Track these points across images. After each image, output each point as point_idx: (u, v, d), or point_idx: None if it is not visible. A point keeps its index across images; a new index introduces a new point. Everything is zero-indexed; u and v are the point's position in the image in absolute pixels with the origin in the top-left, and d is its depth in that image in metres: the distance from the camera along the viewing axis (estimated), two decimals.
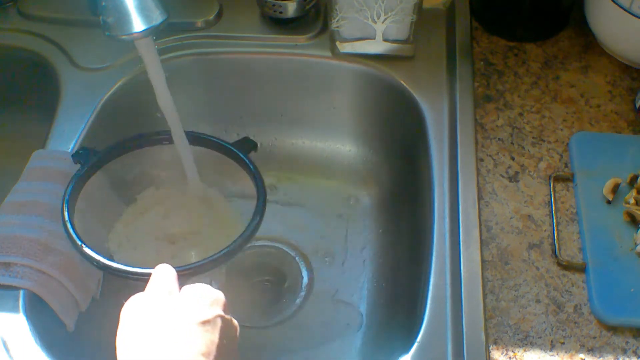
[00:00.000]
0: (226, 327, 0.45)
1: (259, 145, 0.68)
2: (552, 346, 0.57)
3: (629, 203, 0.65)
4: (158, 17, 0.54)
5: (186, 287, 0.47)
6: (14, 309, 0.58)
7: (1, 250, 0.59)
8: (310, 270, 0.79)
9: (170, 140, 0.66)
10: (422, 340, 0.57)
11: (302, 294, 0.77)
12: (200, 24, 0.81)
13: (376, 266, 0.79)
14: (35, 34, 0.80)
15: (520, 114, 0.73)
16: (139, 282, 0.52)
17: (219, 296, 0.47)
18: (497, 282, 0.61)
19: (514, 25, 0.81)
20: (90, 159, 0.64)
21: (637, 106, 0.72)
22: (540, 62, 0.78)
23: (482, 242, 0.63)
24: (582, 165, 0.68)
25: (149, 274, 0.50)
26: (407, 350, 0.56)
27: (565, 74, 0.77)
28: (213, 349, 0.43)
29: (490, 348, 0.57)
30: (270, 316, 0.76)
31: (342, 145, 0.87)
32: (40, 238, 0.60)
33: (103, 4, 0.53)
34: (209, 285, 0.47)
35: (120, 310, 0.47)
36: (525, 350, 0.57)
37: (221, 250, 0.57)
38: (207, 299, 0.46)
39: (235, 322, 0.48)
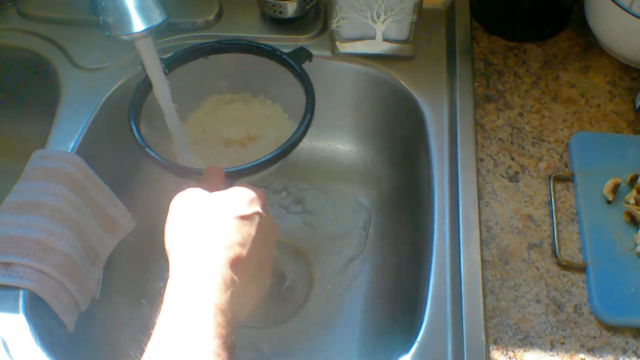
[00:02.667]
0: (263, 223, 0.49)
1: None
2: (552, 346, 0.57)
3: (629, 203, 0.65)
4: (158, 17, 0.54)
5: (232, 188, 0.51)
6: (14, 309, 0.58)
7: (1, 250, 0.59)
8: (310, 270, 0.79)
9: (235, 49, 0.68)
10: (422, 340, 0.57)
11: (303, 294, 0.77)
12: (200, 24, 0.81)
13: (376, 266, 0.79)
14: (35, 34, 0.80)
15: (520, 114, 0.73)
16: (192, 180, 0.55)
17: (259, 195, 0.51)
18: (497, 282, 0.61)
19: (514, 25, 0.81)
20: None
21: (637, 106, 0.72)
22: (540, 62, 0.78)
23: (482, 242, 0.63)
24: (582, 165, 0.68)
25: (201, 173, 0.55)
26: (407, 350, 0.56)
27: (565, 74, 0.77)
28: (249, 240, 0.47)
29: (490, 348, 0.57)
30: (270, 316, 0.76)
31: (342, 145, 0.87)
32: (40, 238, 0.60)
33: (103, 4, 0.53)
34: (252, 185, 0.51)
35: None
36: (525, 350, 0.57)
37: (267, 155, 0.58)
38: (247, 197, 0.49)
39: (273, 220, 0.52)
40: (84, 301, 0.63)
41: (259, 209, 0.49)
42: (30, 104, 0.85)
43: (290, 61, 0.66)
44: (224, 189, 0.51)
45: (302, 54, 0.67)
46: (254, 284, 0.47)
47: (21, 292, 0.59)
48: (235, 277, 0.45)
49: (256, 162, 0.57)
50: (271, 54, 0.67)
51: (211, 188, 0.51)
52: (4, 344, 0.56)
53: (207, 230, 0.47)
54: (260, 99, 0.71)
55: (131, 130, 0.60)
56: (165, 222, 0.49)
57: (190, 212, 0.48)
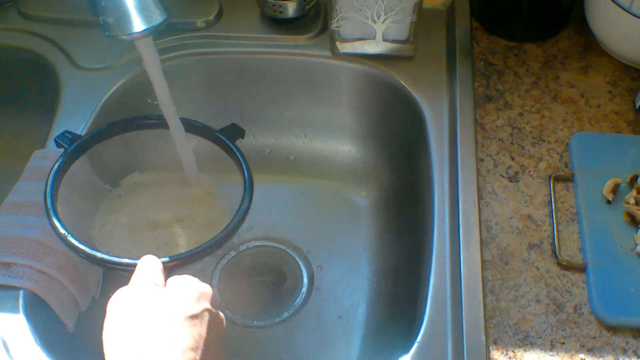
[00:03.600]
0: (214, 321, 0.45)
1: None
2: (552, 346, 0.57)
3: (629, 203, 0.65)
4: (158, 17, 0.54)
5: (172, 280, 0.47)
6: (14, 309, 0.58)
7: (1, 250, 0.59)
8: (310, 270, 0.79)
9: (157, 126, 0.65)
10: (422, 340, 0.57)
11: (302, 293, 0.77)
12: (200, 24, 0.81)
13: (376, 266, 0.79)
14: (35, 34, 0.80)
15: (520, 114, 0.73)
16: (125, 274, 0.51)
17: (206, 289, 0.46)
18: (497, 282, 0.61)
19: (514, 25, 0.81)
20: (74, 143, 0.63)
21: (637, 106, 0.72)
22: (540, 62, 0.78)
23: (482, 242, 0.63)
24: (582, 165, 0.68)
25: (134, 265, 0.50)
26: (407, 350, 0.56)
27: (565, 74, 0.77)
28: (201, 343, 0.43)
29: (490, 348, 0.57)
30: (269, 316, 0.76)
31: (342, 145, 0.87)
32: (40, 238, 0.60)
33: (103, 4, 0.53)
34: (195, 278, 0.47)
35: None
36: (525, 350, 0.57)
37: (207, 242, 0.56)
38: (194, 293, 0.45)
39: (222, 315, 0.47)
40: (84, 301, 0.63)
41: (208, 305, 0.45)
42: (30, 104, 0.84)
43: (224, 138, 0.63)
44: (162, 281, 0.47)
45: (235, 131, 0.65)
46: None
47: (21, 292, 0.59)
48: None
49: (197, 249, 0.55)
50: (202, 130, 0.65)
51: (148, 283, 0.46)
52: (4, 344, 0.56)
53: (153, 336, 0.42)
54: (197, 177, 0.69)
55: (49, 218, 0.57)
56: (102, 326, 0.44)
57: (131, 315, 0.43)
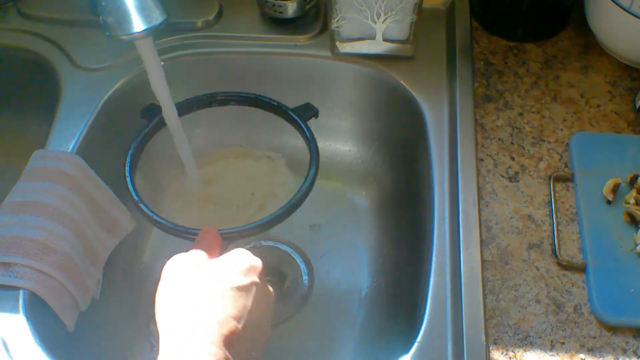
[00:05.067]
0: (260, 294, 0.47)
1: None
2: (552, 346, 0.57)
3: (629, 203, 0.65)
4: (158, 17, 0.54)
5: (226, 253, 0.49)
6: (14, 309, 0.58)
7: (1, 250, 0.59)
8: (310, 270, 0.79)
9: (240, 101, 0.67)
10: (422, 340, 0.57)
11: (302, 293, 0.77)
12: (200, 24, 0.81)
13: (376, 266, 0.79)
14: (35, 34, 0.80)
15: (520, 114, 0.73)
16: (185, 240, 0.54)
17: (256, 263, 0.48)
18: (497, 282, 0.61)
19: (514, 25, 0.81)
20: (157, 115, 0.65)
21: (637, 106, 0.72)
22: (540, 62, 0.78)
23: (482, 242, 0.63)
24: (582, 165, 0.68)
25: (196, 233, 0.52)
26: (407, 350, 0.56)
27: (565, 74, 0.77)
28: (245, 313, 0.45)
29: (490, 348, 0.57)
30: None
31: (341, 145, 0.87)
32: (40, 238, 0.60)
33: (103, 4, 0.53)
34: (248, 252, 0.49)
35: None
36: (525, 350, 0.57)
37: (267, 216, 0.57)
38: (244, 265, 0.47)
39: (270, 289, 0.49)
40: (84, 301, 0.63)
41: (256, 279, 0.47)
42: (30, 104, 0.85)
43: (296, 118, 0.65)
44: (219, 252, 0.49)
45: (309, 110, 0.66)
46: (248, 359, 0.45)
47: (21, 292, 0.59)
48: (229, 356, 0.42)
49: (253, 224, 0.56)
50: (277, 108, 0.67)
51: (207, 251, 0.49)
52: (4, 344, 0.56)
53: (200, 302, 0.44)
54: (259, 152, 0.71)
55: (127, 184, 0.60)
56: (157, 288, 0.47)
57: (183, 281, 0.46)
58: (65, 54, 0.78)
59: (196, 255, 0.48)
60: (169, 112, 0.63)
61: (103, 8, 0.53)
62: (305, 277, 0.79)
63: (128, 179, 0.60)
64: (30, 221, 0.61)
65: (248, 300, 0.45)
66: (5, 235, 0.60)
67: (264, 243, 0.81)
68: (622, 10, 0.71)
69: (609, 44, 0.77)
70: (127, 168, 0.61)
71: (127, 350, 0.72)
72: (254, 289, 0.46)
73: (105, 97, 0.74)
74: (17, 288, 0.58)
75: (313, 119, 0.67)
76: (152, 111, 0.66)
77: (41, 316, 0.59)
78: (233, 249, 0.50)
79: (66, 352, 0.59)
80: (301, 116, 0.66)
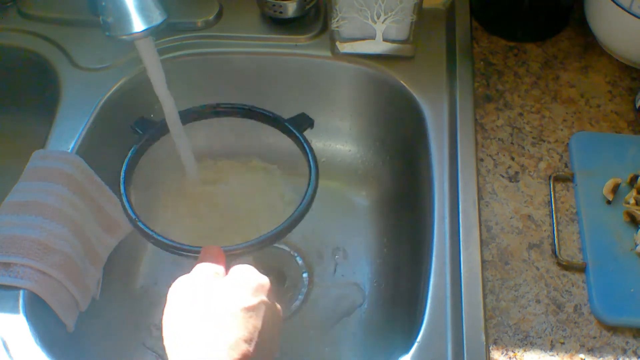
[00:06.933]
0: (269, 313, 0.46)
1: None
2: (552, 346, 0.57)
3: (629, 203, 0.65)
4: (158, 17, 0.54)
5: (233, 270, 0.48)
6: (14, 309, 0.58)
7: (1, 250, 0.59)
8: (310, 271, 0.79)
9: (228, 113, 0.66)
10: (422, 340, 0.57)
11: (302, 294, 0.77)
12: (200, 24, 0.81)
13: (376, 266, 0.79)
14: (35, 34, 0.80)
15: (520, 114, 0.73)
16: (187, 259, 0.53)
17: (264, 282, 0.47)
18: (497, 282, 0.61)
19: (514, 25, 0.81)
20: (149, 129, 0.64)
21: (637, 106, 0.72)
22: (540, 62, 0.78)
23: (482, 242, 0.63)
24: (582, 165, 0.68)
25: (199, 251, 0.51)
26: (407, 350, 0.56)
27: (565, 74, 0.77)
28: (255, 335, 0.44)
29: (490, 348, 0.57)
30: None
31: (342, 145, 0.87)
32: (40, 238, 0.60)
33: (103, 4, 0.53)
34: (254, 269, 0.48)
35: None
36: (525, 350, 0.57)
37: (271, 231, 0.56)
38: (252, 284, 0.46)
39: (278, 307, 0.48)
40: (84, 301, 0.63)
41: (265, 298, 0.46)
42: (30, 104, 0.84)
43: (292, 129, 0.64)
44: (223, 270, 0.48)
45: (304, 121, 0.66)
46: None
47: (21, 292, 0.59)
48: None
49: (259, 240, 0.56)
50: (272, 120, 0.66)
51: (210, 273, 0.48)
52: (4, 344, 0.56)
53: (210, 325, 0.43)
54: (254, 163, 0.70)
55: (122, 202, 0.59)
56: (164, 309, 0.46)
57: (191, 303, 0.45)
58: (65, 54, 0.78)
59: (203, 276, 0.47)
60: (170, 111, 0.62)
61: (103, 8, 0.53)
62: (305, 277, 0.79)
63: (124, 196, 0.59)
64: (30, 221, 0.61)
65: (258, 321, 0.44)
66: (5, 235, 0.60)
67: None
68: (622, 10, 0.71)
69: (609, 44, 0.77)
70: (122, 185, 0.59)
71: (127, 351, 0.72)
72: (263, 308, 0.45)
73: (105, 97, 0.74)
74: (17, 288, 0.58)
75: (313, 119, 0.67)
76: (143, 125, 0.65)
77: (41, 316, 0.59)
78: (235, 264, 0.49)
79: (66, 352, 0.59)
80: (297, 127, 0.65)
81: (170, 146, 0.65)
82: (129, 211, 0.58)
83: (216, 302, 0.44)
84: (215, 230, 0.65)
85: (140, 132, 0.64)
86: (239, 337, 0.43)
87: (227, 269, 0.49)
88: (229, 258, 0.53)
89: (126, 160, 0.62)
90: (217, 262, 0.49)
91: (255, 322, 0.44)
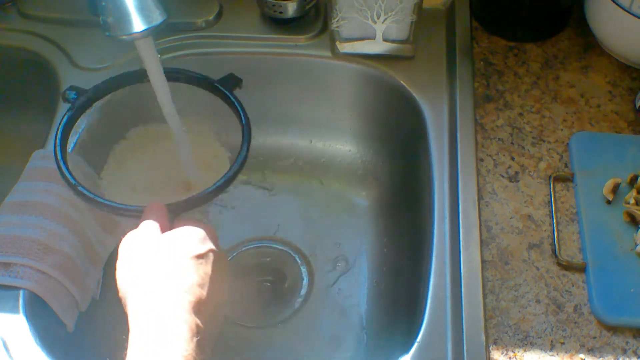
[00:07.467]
0: (218, 260, 0.48)
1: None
2: (552, 346, 0.57)
3: (629, 203, 0.65)
4: (158, 17, 0.54)
5: (179, 224, 0.50)
6: (14, 309, 0.58)
7: (1, 250, 0.59)
8: (310, 271, 0.79)
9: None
10: (422, 340, 0.57)
11: (302, 294, 0.77)
12: (200, 24, 0.81)
13: (376, 266, 0.79)
14: (35, 34, 0.80)
15: (520, 114, 0.73)
16: (132, 219, 0.54)
17: (209, 231, 0.49)
18: (497, 282, 0.61)
19: (514, 25, 0.81)
20: (80, 98, 0.64)
21: (637, 106, 0.72)
22: (540, 62, 0.78)
23: (482, 242, 0.63)
24: (582, 165, 0.68)
25: (141, 210, 0.52)
26: (407, 350, 0.56)
27: (565, 74, 0.77)
28: (207, 280, 0.46)
29: (490, 348, 0.57)
30: (270, 316, 0.76)
31: (342, 145, 0.87)
32: (40, 238, 0.60)
33: (103, 4, 0.53)
34: (199, 221, 0.50)
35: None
36: (525, 350, 0.57)
37: (209, 188, 0.57)
38: (199, 234, 0.48)
39: (225, 253, 0.51)
40: (84, 301, 0.63)
41: (212, 246, 0.48)
42: (30, 104, 0.84)
43: (222, 88, 0.64)
44: (168, 225, 0.50)
45: (232, 80, 0.66)
46: (214, 324, 0.46)
47: (21, 292, 0.59)
48: (199, 322, 0.44)
49: (198, 194, 0.56)
50: (200, 81, 0.66)
51: (156, 227, 0.49)
52: (4, 344, 0.56)
53: (163, 274, 0.45)
54: (189, 125, 0.69)
55: (59, 168, 0.58)
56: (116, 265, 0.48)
57: (143, 254, 0.47)
58: (65, 54, 0.78)
59: (150, 229, 0.49)
60: (170, 112, 0.63)
61: (103, 8, 0.53)
62: (305, 278, 0.79)
63: (61, 163, 0.58)
64: (30, 221, 0.61)
65: (208, 267, 0.47)
66: (5, 235, 0.60)
67: (264, 244, 0.81)
68: (622, 10, 0.71)
69: (609, 44, 0.77)
70: (57, 151, 0.59)
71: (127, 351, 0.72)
72: (211, 255, 0.48)
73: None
74: (17, 288, 0.58)
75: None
76: (74, 94, 0.64)
77: (41, 316, 0.59)
78: (179, 224, 0.50)
79: (66, 352, 0.59)
80: (227, 87, 0.65)
81: None
82: (68, 177, 0.57)
83: (167, 252, 0.46)
84: (161, 192, 0.67)
85: (72, 102, 0.63)
86: (192, 282, 0.45)
87: (172, 225, 0.51)
88: (172, 215, 0.54)
89: (60, 127, 0.61)
90: (162, 217, 0.51)
91: (206, 268, 0.47)
